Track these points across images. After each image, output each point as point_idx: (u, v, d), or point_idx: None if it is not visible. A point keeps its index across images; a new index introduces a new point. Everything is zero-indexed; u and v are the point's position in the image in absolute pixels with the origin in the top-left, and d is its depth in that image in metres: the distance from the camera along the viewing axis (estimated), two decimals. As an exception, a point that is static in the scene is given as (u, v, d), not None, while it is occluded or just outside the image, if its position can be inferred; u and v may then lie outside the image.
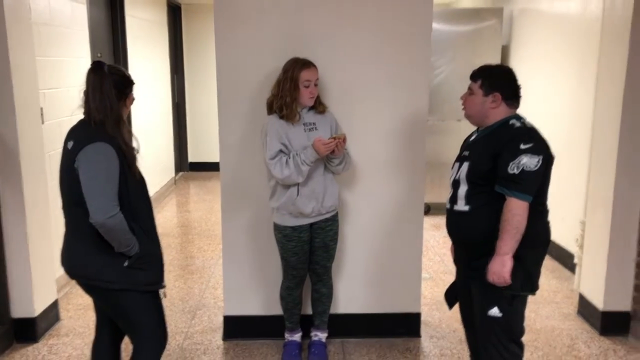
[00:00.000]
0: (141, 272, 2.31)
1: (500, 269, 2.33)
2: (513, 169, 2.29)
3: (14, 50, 3.30)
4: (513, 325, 2.47)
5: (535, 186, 2.32)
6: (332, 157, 2.98)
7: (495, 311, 2.42)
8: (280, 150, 2.95)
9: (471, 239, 2.49)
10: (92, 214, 2.14)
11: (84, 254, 2.29)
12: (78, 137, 2.25)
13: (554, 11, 5.08)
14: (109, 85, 2.22)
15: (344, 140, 2.94)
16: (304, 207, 3.00)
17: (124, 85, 2.29)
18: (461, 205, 2.49)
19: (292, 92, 2.94)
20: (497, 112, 2.44)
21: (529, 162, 2.28)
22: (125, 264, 2.27)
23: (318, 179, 3.02)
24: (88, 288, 2.37)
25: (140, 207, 2.31)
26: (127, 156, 2.23)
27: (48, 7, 4.11)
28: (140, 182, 2.34)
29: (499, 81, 2.44)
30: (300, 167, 2.89)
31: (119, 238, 2.21)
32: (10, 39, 3.26)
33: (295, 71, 2.93)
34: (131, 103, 2.38)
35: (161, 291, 2.45)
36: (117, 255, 2.26)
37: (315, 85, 2.97)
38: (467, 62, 5.70)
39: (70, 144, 2.24)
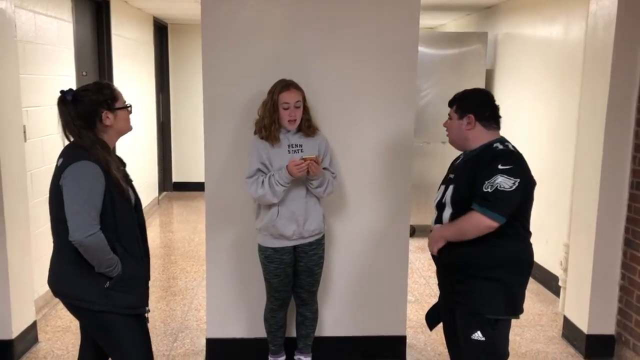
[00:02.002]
0: (123, 295, 2.26)
1: (434, 244, 2.52)
2: (487, 187, 2.32)
3: (-3, 68, 3.27)
4: (497, 349, 2.46)
5: (509, 207, 2.32)
6: (310, 179, 2.95)
7: (478, 335, 2.41)
8: (259, 170, 2.96)
9: (455, 262, 2.49)
10: (71, 232, 2.11)
11: (66, 273, 2.26)
12: (67, 154, 2.23)
13: (537, 36, 5.17)
14: (73, 118, 2.20)
15: (317, 161, 2.88)
16: (283, 229, 2.97)
17: (89, 114, 2.23)
18: None
19: (272, 114, 2.95)
20: (475, 133, 2.46)
21: (504, 182, 2.30)
22: (107, 285, 2.23)
23: (299, 202, 2.99)
24: (71, 308, 2.32)
25: (126, 229, 2.28)
26: (112, 176, 2.20)
27: (34, 25, 4.09)
28: (128, 203, 2.30)
29: (471, 103, 2.49)
30: (274, 188, 2.88)
31: (99, 258, 2.17)
32: (-6, 56, 3.24)
33: (275, 93, 2.94)
34: (111, 119, 2.27)
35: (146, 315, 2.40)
36: (98, 276, 2.21)
37: (297, 107, 2.94)
38: (452, 86, 5.74)
39: (59, 161, 2.23)
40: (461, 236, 2.40)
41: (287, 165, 2.86)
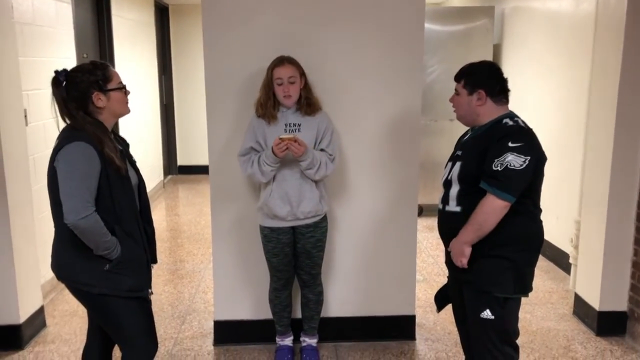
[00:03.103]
0: (122, 277, 2.23)
1: (459, 254, 2.39)
2: (497, 165, 2.25)
3: (-5, 50, 3.21)
4: (506, 327, 2.44)
5: (520, 186, 2.27)
6: (298, 160, 2.86)
7: (487, 313, 2.39)
8: (252, 148, 2.94)
9: None
10: (66, 215, 2.08)
11: (66, 256, 2.23)
12: (61, 136, 2.20)
13: (546, 9, 5.05)
14: (65, 99, 2.17)
15: (298, 142, 2.77)
16: (277, 209, 2.94)
17: (81, 96, 2.18)
18: (453, 206, 2.46)
19: (268, 90, 2.91)
20: (486, 109, 2.40)
21: (514, 160, 2.24)
22: (106, 267, 2.19)
23: (293, 183, 2.93)
24: (73, 291, 2.30)
25: (125, 210, 2.24)
26: (106, 155, 2.14)
27: (31, 7, 4.02)
28: (127, 184, 2.26)
29: (480, 78, 2.41)
30: (262, 167, 2.85)
31: (95, 240, 2.13)
32: (-8, 39, 3.18)
33: (270, 70, 2.90)
34: (103, 100, 2.20)
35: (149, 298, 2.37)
36: (97, 258, 2.18)
37: (291, 82, 2.87)
38: (459, 62, 5.56)
39: (55, 143, 2.19)
40: (481, 230, 2.32)
41: (272, 146, 2.81)
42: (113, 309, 2.26)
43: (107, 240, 2.15)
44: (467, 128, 2.58)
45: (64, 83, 2.18)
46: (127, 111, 2.33)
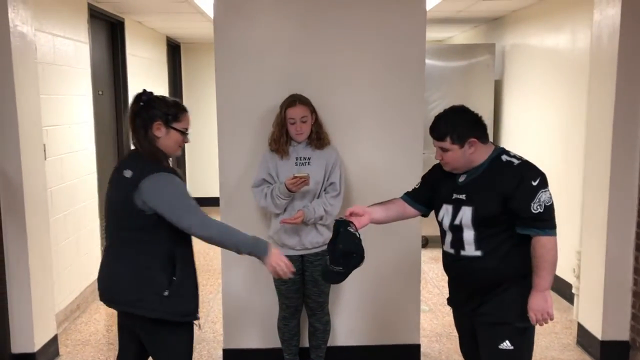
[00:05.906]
0: (181, 301, 2.33)
1: (543, 305, 2.35)
2: (536, 208, 2.29)
3: (20, 89, 3.39)
4: (525, 357, 2.45)
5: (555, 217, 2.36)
6: (306, 224, 3.04)
7: (507, 344, 2.38)
8: (265, 180, 3.10)
9: (486, 283, 2.43)
10: (196, 229, 2.29)
11: (126, 281, 2.32)
12: (138, 166, 2.30)
13: (544, 46, 5.22)
14: (136, 114, 2.36)
15: (306, 182, 2.94)
16: (286, 239, 3.09)
17: (147, 118, 2.35)
18: (471, 251, 2.41)
19: (281, 127, 3.07)
20: (478, 154, 2.40)
21: (545, 197, 2.31)
22: (166, 293, 2.29)
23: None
24: (127, 315, 2.38)
25: (184, 235, 2.35)
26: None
27: (53, 47, 4.22)
28: None
29: (466, 128, 2.38)
30: (275, 200, 3.02)
31: (233, 240, 2.36)
32: (17, 79, 3.36)
33: (283, 109, 3.07)
34: (162, 132, 2.35)
35: (196, 322, 2.46)
36: (158, 284, 2.29)
37: (303, 122, 3.04)
38: (461, 97, 5.80)
39: (128, 173, 2.30)
40: (553, 269, 2.37)
41: (285, 182, 2.96)
42: (166, 333, 2.36)
43: (244, 234, 2.39)
44: (433, 165, 2.59)
45: (142, 103, 2.36)
46: (177, 154, 2.48)
